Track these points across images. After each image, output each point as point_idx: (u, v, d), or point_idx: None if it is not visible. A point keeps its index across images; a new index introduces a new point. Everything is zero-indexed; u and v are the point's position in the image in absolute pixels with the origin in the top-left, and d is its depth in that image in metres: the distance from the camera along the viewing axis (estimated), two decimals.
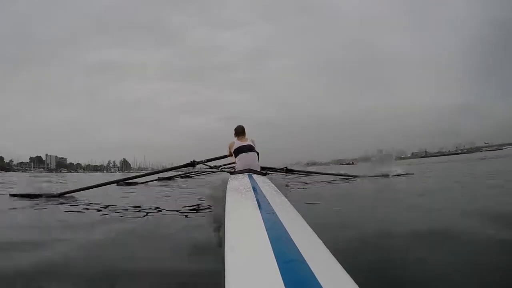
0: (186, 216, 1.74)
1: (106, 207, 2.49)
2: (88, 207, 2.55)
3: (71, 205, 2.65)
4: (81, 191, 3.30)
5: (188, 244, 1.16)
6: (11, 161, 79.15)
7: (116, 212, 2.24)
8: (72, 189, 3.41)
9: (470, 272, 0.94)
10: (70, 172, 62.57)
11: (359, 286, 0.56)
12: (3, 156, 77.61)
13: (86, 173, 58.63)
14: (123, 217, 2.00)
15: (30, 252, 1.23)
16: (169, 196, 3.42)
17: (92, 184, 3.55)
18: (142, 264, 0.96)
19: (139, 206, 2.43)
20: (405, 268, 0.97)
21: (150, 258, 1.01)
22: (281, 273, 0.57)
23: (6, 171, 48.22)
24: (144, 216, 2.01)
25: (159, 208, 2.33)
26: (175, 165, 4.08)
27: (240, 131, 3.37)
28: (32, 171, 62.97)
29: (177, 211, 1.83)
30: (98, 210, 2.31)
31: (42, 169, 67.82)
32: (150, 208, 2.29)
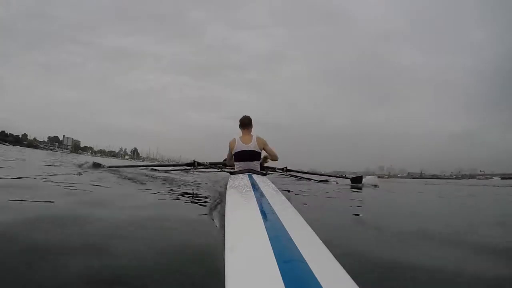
0: (183, 216, 1.63)
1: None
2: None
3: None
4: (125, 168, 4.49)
5: (187, 245, 1.10)
6: (34, 139, 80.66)
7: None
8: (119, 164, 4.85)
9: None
10: (88, 155, 63.50)
11: (359, 286, 0.53)
12: (21, 132, 79.02)
13: (103, 157, 59.53)
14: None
15: None
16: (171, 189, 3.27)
17: (131, 164, 5.20)
18: (141, 264, 0.90)
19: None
20: None
21: (149, 257, 0.94)
22: (281, 273, 0.54)
23: (34, 148, 49.00)
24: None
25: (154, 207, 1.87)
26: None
27: (246, 123, 2.90)
28: (58, 151, 63.97)
29: (174, 210, 1.73)
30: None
31: (68, 150, 69.08)
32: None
